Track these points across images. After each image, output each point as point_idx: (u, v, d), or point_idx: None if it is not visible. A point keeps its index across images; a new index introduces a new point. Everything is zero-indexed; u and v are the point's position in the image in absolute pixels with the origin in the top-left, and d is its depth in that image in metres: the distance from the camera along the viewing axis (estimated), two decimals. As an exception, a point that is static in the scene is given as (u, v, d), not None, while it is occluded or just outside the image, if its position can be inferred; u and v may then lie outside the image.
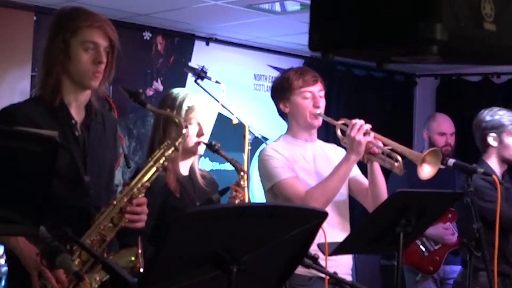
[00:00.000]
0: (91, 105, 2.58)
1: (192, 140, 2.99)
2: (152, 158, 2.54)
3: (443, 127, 4.94)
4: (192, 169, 3.08)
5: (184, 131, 2.57)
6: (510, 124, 3.88)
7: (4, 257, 4.63)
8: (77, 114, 2.54)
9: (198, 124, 3.01)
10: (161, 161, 2.53)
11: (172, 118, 2.63)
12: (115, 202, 2.44)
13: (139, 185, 2.48)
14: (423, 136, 5.17)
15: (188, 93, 3.04)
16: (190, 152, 3.02)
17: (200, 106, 3.02)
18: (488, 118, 3.95)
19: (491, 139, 3.92)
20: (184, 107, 2.97)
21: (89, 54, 2.47)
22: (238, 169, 2.95)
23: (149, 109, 2.57)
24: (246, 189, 2.98)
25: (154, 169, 2.52)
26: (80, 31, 2.47)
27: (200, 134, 3.01)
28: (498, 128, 3.91)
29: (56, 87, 2.49)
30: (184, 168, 3.04)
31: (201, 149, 3.02)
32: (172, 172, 2.95)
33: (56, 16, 2.56)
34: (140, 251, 2.45)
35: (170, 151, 2.55)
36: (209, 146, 2.97)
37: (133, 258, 2.45)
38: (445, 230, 4.64)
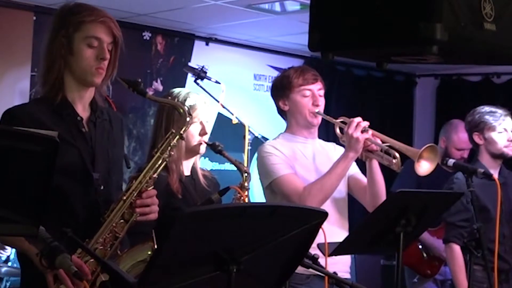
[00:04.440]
0: (95, 102, 2.54)
1: (195, 139, 2.97)
2: (158, 149, 2.49)
3: (464, 144, 4.81)
4: (193, 169, 3.06)
5: (188, 119, 2.51)
6: (489, 119, 3.92)
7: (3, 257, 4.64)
8: (82, 111, 2.50)
9: (201, 123, 2.99)
10: (168, 151, 2.48)
11: (175, 107, 2.58)
12: (124, 198, 2.40)
13: (147, 178, 2.44)
14: (423, 136, 5.13)
15: (190, 92, 3.02)
16: (192, 151, 3.00)
17: (202, 105, 3.01)
18: (469, 118, 4.02)
19: (477, 138, 3.97)
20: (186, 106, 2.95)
21: (92, 50, 2.43)
22: (241, 170, 2.94)
23: (149, 98, 2.49)
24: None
25: (161, 160, 2.47)
26: (83, 26, 2.43)
27: (203, 133, 2.99)
28: (479, 125, 3.95)
29: (57, 83, 2.45)
30: (186, 168, 3.02)
31: (204, 148, 3.01)
32: (175, 173, 2.92)
33: (58, 12, 2.52)
34: (155, 246, 2.41)
35: (175, 140, 2.50)
36: (212, 146, 2.95)
37: (149, 252, 2.41)
38: None
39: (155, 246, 2.42)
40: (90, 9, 2.47)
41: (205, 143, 2.99)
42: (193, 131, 2.96)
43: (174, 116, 2.81)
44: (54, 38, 2.46)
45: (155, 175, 2.46)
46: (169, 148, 2.49)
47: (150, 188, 2.45)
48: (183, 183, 2.95)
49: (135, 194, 2.42)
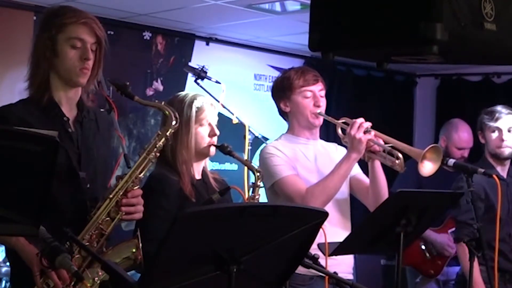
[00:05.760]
0: (82, 103, 2.59)
1: (204, 141, 2.95)
2: (145, 150, 2.55)
3: (464, 143, 4.85)
4: (204, 173, 3.04)
5: (173, 122, 2.57)
6: (485, 118, 3.97)
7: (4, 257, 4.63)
8: (69, 111, 2.55)
9: (209, 124, 2.98)
10: (153, 153, 2.54)
11: (162, 110, 2.62)
12: (111, 196, 2.46)
13: (133, 178, 2.49)
14: (423, 136, 5.12)
15: (196, 94, 3.01)
16: (203, 153, 2.98)
17: (209, 106, 3.00)
18: (478, 118, 4.06)
19: (480, 137, 4.03)
20: (194, 108, 2.93)
21: (76, 51, 2.48)
22: (253, 170, 2.92)
23: (137, 101, 2.55)
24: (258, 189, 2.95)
25: (146, 160, 2.53)
26: (66, 27, 2.48)
27: (212, 134, 2.97)
28: (480, 125, 4.02)
29: (43, 84, 2.50)
30: (197, 171, 2.99)
31: (213, 150, 2.99)
32: (186, 176, 2.90)
33: (43, 15, 2.59)
34: (140, 243, 2.47)
35: (161, 142, 2.56)
36: (221, 148, 2.93)
37: (134, 250, 2.48)
38: (449, 242, 4.60)
39: (140, 245, 2.47)
40: (72, 11, 2.53)
41: (214, 145, 2.97)
42: (203, 132, 2.95)
43: (182, 118, 2.82)
44: (39, 40, 2.53)
45: (141, 175, 2.52)
46: (155, 149, 2.55)
47: (136, 187, 2.51)
48: (195, 187, 2.93)
49: (121, 193, 2.47)
